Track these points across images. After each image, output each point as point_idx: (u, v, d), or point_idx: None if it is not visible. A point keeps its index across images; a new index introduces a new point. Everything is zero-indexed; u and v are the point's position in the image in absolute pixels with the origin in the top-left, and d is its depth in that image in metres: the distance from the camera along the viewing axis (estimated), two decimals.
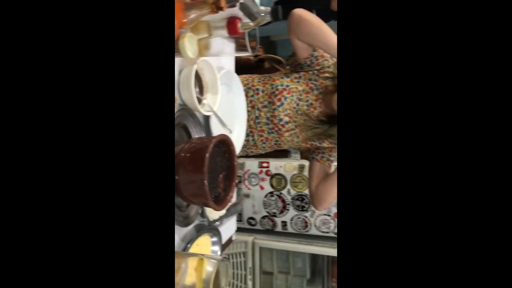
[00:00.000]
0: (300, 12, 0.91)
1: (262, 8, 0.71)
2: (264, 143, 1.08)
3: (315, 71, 1.01)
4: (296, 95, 1.00)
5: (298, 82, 1.02)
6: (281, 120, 1.01)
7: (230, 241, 1.06)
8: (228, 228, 1.02)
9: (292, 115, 1.01)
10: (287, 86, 1.01)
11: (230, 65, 0.94)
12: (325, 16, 2.03)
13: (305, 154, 1.12)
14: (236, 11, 0.61)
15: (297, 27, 0.90)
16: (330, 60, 1.00)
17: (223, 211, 0.93)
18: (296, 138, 1.04)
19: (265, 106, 1.01)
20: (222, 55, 0.80)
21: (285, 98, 1.00)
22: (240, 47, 0.76)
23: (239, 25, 0.62)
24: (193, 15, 0.57)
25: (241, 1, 0.59)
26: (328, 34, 0.88)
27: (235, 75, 0.93)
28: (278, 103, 1.00)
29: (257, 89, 1.03)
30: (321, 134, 0.99)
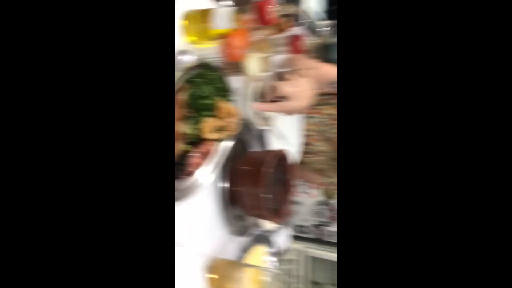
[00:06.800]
0: None
1: (323, 22, 0.71)
2: None
3: None
4: (323, 118, 0.95)
5: (329, 104, 0.95)
6: None
7: (282, 251, 1.07)
8: (281, 238, 1.03)
9: (317, 138, 0.96)
10: (317, 105, 0.96)
11: None
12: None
13: None
14: (298, 30, 0.62)
15: None
16: None
17: None
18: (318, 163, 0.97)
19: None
20: (283, 70, 0.81)
21: (311, 118, 0.97)
22: None
23: (302, 42, 0.63)
24: (258, 36, 0.59)
25: (306, 20, 0.60)
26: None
27: None
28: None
29: None
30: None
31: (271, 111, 0.72)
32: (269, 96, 0.69)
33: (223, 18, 0.53)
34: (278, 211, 0.76)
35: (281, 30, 0.57)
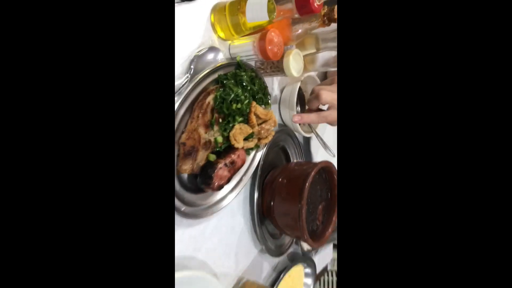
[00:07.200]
0: None
1: None
2: None
3: None
4: None
5: None
6: None
7: (325, 270, 0.96)
8: (323, 258, 0.93)
9: None
10: None
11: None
12: None
13: None
14: None
15: None
16: None
17: None
18: None
19: None
20: (330, 69, 0.71)
21: None
22: None
23: None
24: (300, 29, 0.50)
25: None
26: None
27: None
28: None
29: None
30: None
31: (312, 123, 0.62)
32: (310, 104, 0.60)
33: (258, 9, 0.45)
34: (319, 233, 0.66)
35: (329, 21, 0.48)
